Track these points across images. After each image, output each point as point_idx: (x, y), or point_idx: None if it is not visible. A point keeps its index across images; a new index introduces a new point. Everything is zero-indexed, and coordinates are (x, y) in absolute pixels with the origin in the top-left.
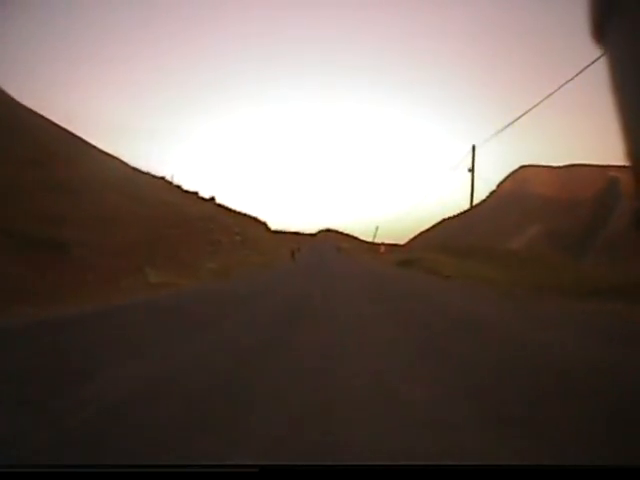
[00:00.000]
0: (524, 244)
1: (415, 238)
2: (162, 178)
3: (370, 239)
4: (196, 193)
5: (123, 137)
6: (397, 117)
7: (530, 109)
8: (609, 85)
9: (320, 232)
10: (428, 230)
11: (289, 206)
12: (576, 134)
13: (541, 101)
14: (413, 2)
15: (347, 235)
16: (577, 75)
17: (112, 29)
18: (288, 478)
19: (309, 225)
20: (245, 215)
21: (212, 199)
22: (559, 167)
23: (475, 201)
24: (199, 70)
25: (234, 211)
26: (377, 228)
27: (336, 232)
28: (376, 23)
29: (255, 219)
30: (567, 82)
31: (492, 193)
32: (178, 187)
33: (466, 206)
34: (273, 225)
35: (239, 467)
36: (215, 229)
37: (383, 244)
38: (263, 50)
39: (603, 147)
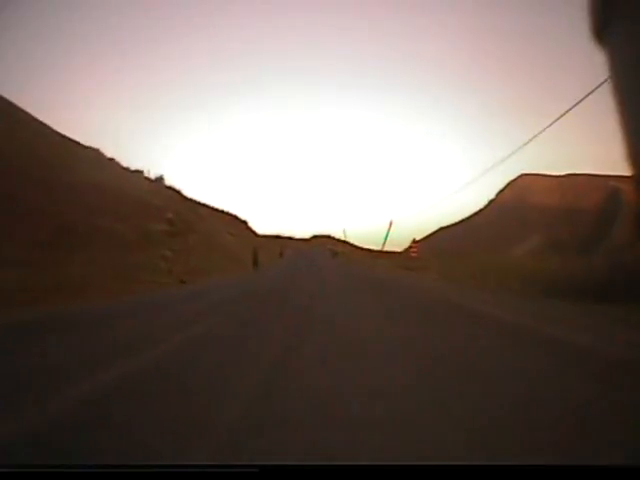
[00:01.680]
0: (525, 253)
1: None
2: (95, 150)
3: (369, 246)
4: (140, 172)
5: (119, 138)
6: (399, 124)
7: (546, 127)
8: (610, 87)
9: (314, 237)
10: (424, 238)
11: (284, 211)
12: (577, 142)
13: (554, 121)
14: (419, 7)
15: (345, 242)
16: (590, 94)
17: (110, 30)
18: (288, 478)
19: (306, 232)
20: (214, 209)
21: (160, 179)
22: (559, 176)
23: (474, 210)
24: (196, 73)
25: (195, 201)
26: (391, 223)
27: (333, 238)
28: (382, 27)
29: (232, 216)
30: (582, 100)
31: (491, 202)
32: (111, 159)
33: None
34: (269, 229)
35: (239, 467)
36: (107, 211)
37: (415, 243)
38: (264, 51)
39: (604, 156)
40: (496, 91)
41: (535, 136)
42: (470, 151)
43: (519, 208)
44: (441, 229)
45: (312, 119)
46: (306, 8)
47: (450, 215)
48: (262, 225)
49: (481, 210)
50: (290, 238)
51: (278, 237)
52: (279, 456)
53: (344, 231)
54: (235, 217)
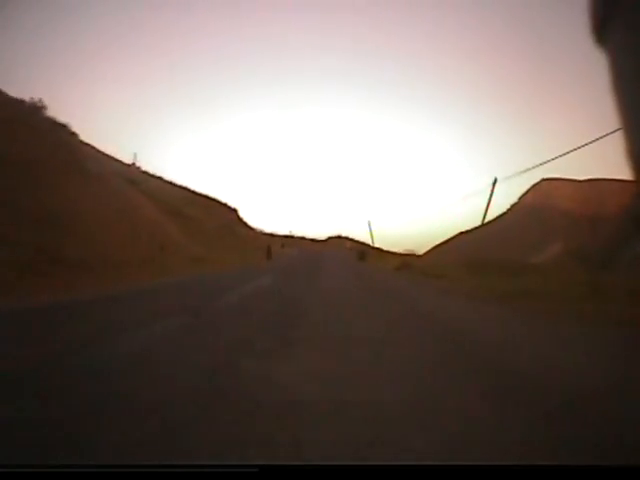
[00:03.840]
0: (547, 260)
1: (430, 251)
2: None
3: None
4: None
5: (122, 137)
6: (417, 125)
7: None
8: (610, 85)
9: (330, 239)
10: (444, 243)
11: (299, 212)
12: (600, 147)
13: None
14: (428, 9)
15: (368, 245)
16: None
17: (115, 28)
18: (288, 478)
19: (322, 234)
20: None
21: (36, 106)
22: (582, 180)
23: (496, 214)
24: (205, 72)
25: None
26: (495, 182)
27: (352, 240)
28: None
29: (214, 200)
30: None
31: (513, 206)
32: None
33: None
34: (281, 229)
35: (239, 467)
36: None
37: None
38: (276, 49)
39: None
40: (512, 94)
41: (571, 151)
42: (488, 155)
43: (541, 213)
44: (461, 234)
45: (325, 122)
46: (309, 8)
47: (470, 219)
48: (275, 224)
49: (503, 214)
50: (302, 238)
51: (290, 237)
52: (279, 456)
53: (369, 224)
54: (219, 202)
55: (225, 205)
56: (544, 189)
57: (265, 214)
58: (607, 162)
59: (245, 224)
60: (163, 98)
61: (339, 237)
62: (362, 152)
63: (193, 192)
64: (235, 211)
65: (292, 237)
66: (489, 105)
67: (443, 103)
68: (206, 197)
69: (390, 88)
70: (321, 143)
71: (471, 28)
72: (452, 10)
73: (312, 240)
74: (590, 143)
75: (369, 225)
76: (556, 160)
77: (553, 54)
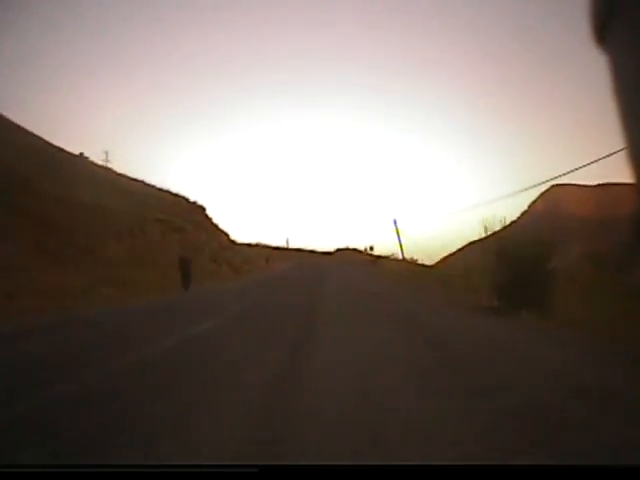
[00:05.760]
0: (564, 267)
1: (440, 262)
2: None
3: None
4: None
5: (122, 145)
6: (422, 136)
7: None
8: (610, 88)
9: (340, 250)
10: (452, 254)
11: (306, 224)
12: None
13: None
14: (434, 18)
15: (380, 257)
16: None
17: (114, 38)
18: (288, 478)
19: (332, 245)
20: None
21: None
22: (592, 185)
23: (505, 223)
24: (201, 85)
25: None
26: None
27: (370, 254)
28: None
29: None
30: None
31: (523, 213)
32: None
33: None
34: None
35: (239, 467)
36: None
37: None
38: (275, 58)
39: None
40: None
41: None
42: (499, 164)
43: (552, 220)
44: (471, 244)
45: (329, 134)
46: (312, 19)
47: (480, 228)
48: (278, 238)
49: (514, 222)
50: (299, 249)
51: (283, 248)
52: (279, 456)
53: (395, 223)
54: (185, 199)
55: (194, 203)
56: (554, 196)
57: (266, 224)
58: (617, 165)
59: (216, 226)
60: (170, 109)
61: (352, 249)
62: (368, 162)
63: (153, 187)
64: (203, 208)
65: (287, 249)
66: (491, 110)
67: (447, 114)
68: (168, 192)
69: (399, 101)
70: (320, 149)
71: (473, 35)
72: (457, 19)
73: (311, 252)
74: (608, 156)
75: (395, 224)
76: (564, 166)
77: (557, 57)
